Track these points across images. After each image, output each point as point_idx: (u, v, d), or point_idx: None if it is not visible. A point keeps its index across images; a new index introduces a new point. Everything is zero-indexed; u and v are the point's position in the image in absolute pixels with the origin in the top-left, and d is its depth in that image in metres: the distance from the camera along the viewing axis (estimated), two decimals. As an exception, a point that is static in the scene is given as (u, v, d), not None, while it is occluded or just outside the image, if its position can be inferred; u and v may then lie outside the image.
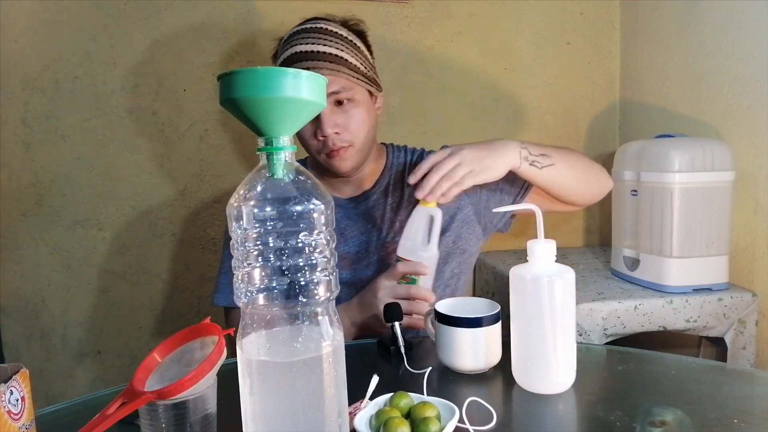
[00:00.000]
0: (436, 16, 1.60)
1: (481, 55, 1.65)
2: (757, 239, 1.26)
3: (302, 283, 0.46)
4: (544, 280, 0.64)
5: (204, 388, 0.53)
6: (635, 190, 1.31)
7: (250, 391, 0.47)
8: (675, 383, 0.68)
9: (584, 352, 0.78)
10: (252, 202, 0.45)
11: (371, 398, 0.61)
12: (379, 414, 0.57)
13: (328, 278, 0.47)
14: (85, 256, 1.45)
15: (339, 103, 0.94)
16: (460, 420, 0.57)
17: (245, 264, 0.46)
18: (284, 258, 0.45)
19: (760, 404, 0.63)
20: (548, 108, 1.71)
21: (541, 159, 0.93)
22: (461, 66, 1.64)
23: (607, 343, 1.21)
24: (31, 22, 1.37)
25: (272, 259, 0.45)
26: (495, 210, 0.77)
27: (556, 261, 0.66)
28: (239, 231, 0.46)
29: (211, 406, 0.55)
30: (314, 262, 0.46)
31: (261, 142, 0.47)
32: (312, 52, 0.93)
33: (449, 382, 0.71)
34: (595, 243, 1.79)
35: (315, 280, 0.46)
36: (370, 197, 1.04)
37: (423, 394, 0.63)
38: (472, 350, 0.71)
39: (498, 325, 0.73)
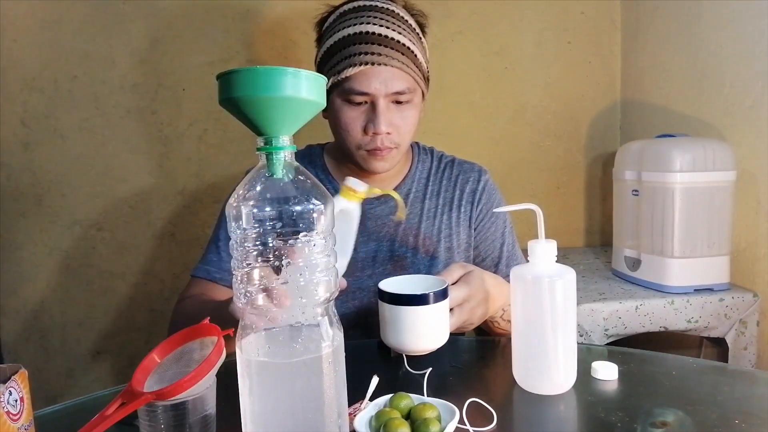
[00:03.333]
0: (436, 15, 1.59)
1: (481, 54, 1.65)
2: (758, 239, 1.26)
3: (302, 283, 0.45)
4: (545, 280, 0.63)
5: (203, 389, 0.53)
6: (636, 190, 1.31)
7: (250, 391, 0.47)
8: (676, 384, 0.68)
9: (585, 352, 0.78)
10: (251, 202, 0.45)
11: (371, 399, 0.61)
12: (379, 415, 0.57)
13: (328, 278, 0.47)
14: (84, 257, 1.45)
15: (397, 102, 0.86)
16: (461, 421, 0.57)
17: (245, 264, 0.46)
18: (284, 258, 0.45)
19: (762, 405, 0.63)
20: (549, 107, 1.71)
21: (504, 324, 0.87)
22: (462, 65, 1.64)
23: (608, 344, 1.20)
24: (30, 21, 1.37)
25: (272, 259, 0.45)
26: (495, 210, 0.76)
27: (557, 261, 0.66)
28: (238, 231, 0.46)
29: (211, 406, 0.55)
30: (314, 262, 0.46)
31: (260, 142, 0.47)
32: (386, 37, 0.84)
33: (449, 382, 0.70)
34: (596, 243, 1.79)
35: (315, 281, 0.46)
36: (387, 202, 0.96)
37: (423, 394, 0.63)
38: (419, 330, 0.68)
39: (445, 303, 0.70)
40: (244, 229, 0.45)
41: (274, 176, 0.46)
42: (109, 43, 1.41)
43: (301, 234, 0.45)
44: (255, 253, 0.45)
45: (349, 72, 0.83)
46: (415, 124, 0.90)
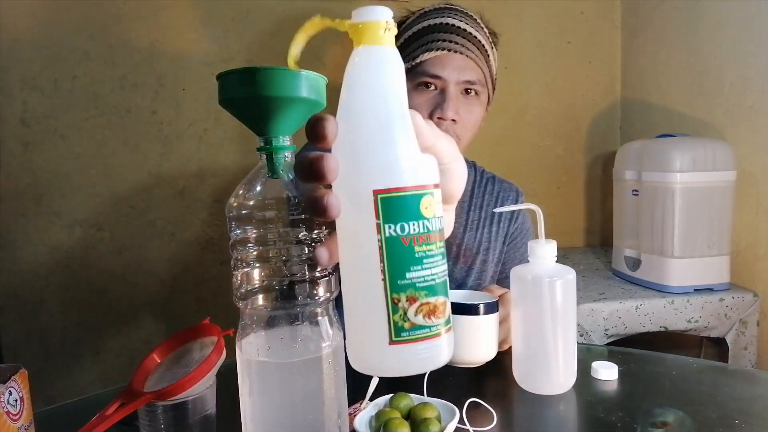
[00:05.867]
0: (436, 15, 1.60)
1: (481, 54, 1.65)
2: (758, 239, 1.26)
3: (302, 283, 0.45)
4: (545, 280, 0.63)
5: (203, 389, 0.53)
6: (636, 190, 1.31)
7: (250, 392, 0.47)
8: (676, 384, 0.68)
9: (585, 352, 0.78)
10: (251, 202, 0.45)
11: (371, 399, 0.61)
12: (379, 415, 0.57)
13: (327, 278, 0.47)
14: (84, 256, 1.45)
15: (467, 92, 0.88)
16: (461, 421, 0.57)
17: (244, 264, 0.46)
18: (283, 258, 0.45)
19: (762, 405, 0.63)
20: (549, 107, 1.71)
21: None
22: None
23: (608, 344, 1.20)
24: (30, 21, 1.37)
25: (271, 259, 0.45)
26: (495, 210, 0.76)
27: (557, 261, 0.66)
28: (238, 231, 0.46)
29: (211, 406, 0.55)
30: (314, 262, 0.46)
31: (260, 142, 0.47)
32: (464, 30, 0.88)
33: (449, 383, 0.70)
34: (596, 243, 1.79)
35: (315, 281, 0.46)
36: None
37: (423, 395, 0.63)
38: (473, 340, 0.68)
39: (496, 316, 0.70)
40: (245, 229, 0.45)
41: (274, 176, 0.46)
42: (109, 43, 1.41)
43: (302, 234, 0.45)
44: (255, 253, 0.45)
45: (426, 56, 0.86)
46: (478, 123, 0.91)
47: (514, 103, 1.69)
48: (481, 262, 0.98)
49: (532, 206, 0.68)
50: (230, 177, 1.51)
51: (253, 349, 0.46)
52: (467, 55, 0.87)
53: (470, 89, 0.88)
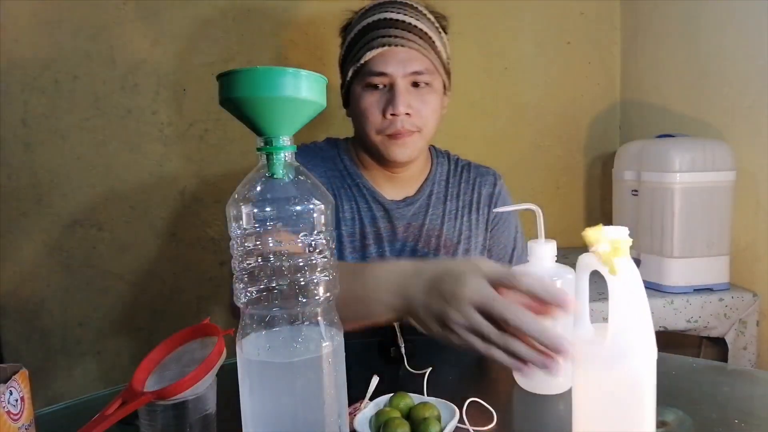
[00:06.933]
0: (436, 15, 1.60)
1: (481, 54, 1.65)
2: (758, 239, 1.26)
3: (302, 283, 0.45)
4: (544, 280, 0.64)
5: (203, 389, 0.53)
6: (636, 190, 1.31)
7: (250, 391, 0.47)
8: (676, 383, 0.68)
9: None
10: (252, 202, 0.45)
11: (371, 399, 0.61)
12: (379, 414, 0.57)
13: (328, 278, 0.47)
14: (85, 257, 1.45)
15: (416, 85, 0.88)
16: (460, 420, 0.57)
17: (245, 264, 0.46)
18: (284, 258, 0.45)
19: (761, 404, 0.63)
20: (549, 108, 1.71)
21: None
22: (461, 66, 1.64)
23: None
24: (31, 21, 1.37)
25: (272, 259, 0.45)
26: (495, 210, 0.76)
27: (557, 261, 0.66)
28: (239, 231, 0.46)
29: (211, 406, 0.55)
30: (314, 262, 0.46)
31: (260, 142, 0.47)
32: (403, 22, 0.87)
33: (449, 382, 0.70)
34: (596, 243, 1.79)
35: (315, 281, 0.46)
36: (413, 203, 0.96)
37: (423, 394, 0.63)
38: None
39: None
40: (245, 229, 0.45)
41: (275, 176, 0.46)
42: (109, 43, 1.41)
43: (302, 234, 0.45)
44: (255, 252, 0.45)
45: (368, 56, 0.86)
46: (437, 112, 0.91)
47: (513, 104, 1.69)
48: (463, 251, 0.97)
49: (532, 206, 0.68)
50: (231, 177, 1.52)
51: (253, 349, 0.47)
52: (409, 47, 0.86)
53: (419, 80, 0.87)
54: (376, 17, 0.88)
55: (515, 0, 1.64)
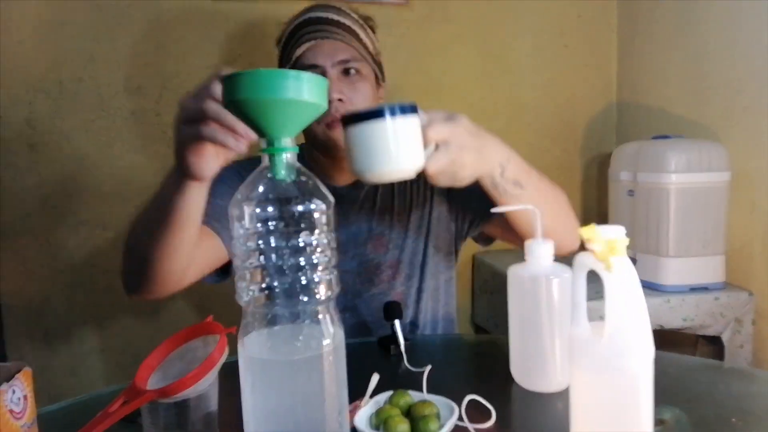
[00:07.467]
0: (435, 18, 1.61)
1: (480, 57, 1.66)
2: (753, 239, 1.27)
3: (303, 282, 0.46)
4: (542, 279, 0.64)
5: (206, 387, 0.53)
6: (632, 191, 1.32)
7: (252, 389, 0.47)
8: (672, 382, 0.68)
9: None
10: (254, 202, 0.46)
11: (371, 396, 0.62)
12: (379, 412, 0.58)
13: (329, 277, 0.48)
14: (89, 256, 1.46)
15: (346, 72, 0.91)
16: (460, 418, 0.58)
17: (247, 263, 0.47)
18: (285, 257, 0.46)
19: (758, 402, 0.64)
20: (546, 109, 1.72)
21: (510, 188, 0.75)
22: (460, 68, 1.65)
23: (605, 343, 1.21)
24: (35, 24, 1.38)
25: (273, 258, 0.46)
26: (493, 210, 0.76)
27: (554, 260, 0.67)
28: (241, 230, 0.46)
29: (213, 404, 0.55)
30: (315, 261, 0.47)
31: (263, 143, 0.47)
32: (326, 18, 0.92)
33: (449, 380, 0.71)
34: (594, 243, 1.80)
35: (316, 280, 0.47)
36: (362, 187, 1.00)
37: (423, 392, 0.64)
38: (389, 147, 0.59)
39: (413, 120, 0.62)
40: (247, 229, 0.46)
41: (277, 177, 0.47)
42: (113, 45, 1.42)
43: (303, 234, 0.46)
44: (257, 252, 0.46)
45: (298, 52, 0.91)
46: (369, 99, 0.94)
47: (511, 105, 1.70)
48: (417, 218, 0.98)
49: (529, 206, 0.69)
50: (231, 178, 1.52)
51: (255, 347, 0.47)
52: (334, 39, 0.91)
53: (349, 68, 0.91)
54: (302, 18, 0.94)
55: (513, 2, 1.65)
